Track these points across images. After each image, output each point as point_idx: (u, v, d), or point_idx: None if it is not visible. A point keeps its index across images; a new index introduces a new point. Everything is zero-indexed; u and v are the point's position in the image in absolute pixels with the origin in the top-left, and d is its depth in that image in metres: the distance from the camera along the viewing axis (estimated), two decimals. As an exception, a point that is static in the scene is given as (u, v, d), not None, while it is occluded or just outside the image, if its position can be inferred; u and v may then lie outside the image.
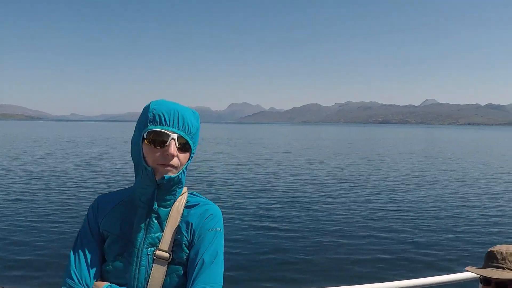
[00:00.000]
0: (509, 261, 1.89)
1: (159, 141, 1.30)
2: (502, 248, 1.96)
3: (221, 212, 1.45)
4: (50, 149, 33.73)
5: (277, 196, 13.72)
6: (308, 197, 13.74)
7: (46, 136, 61.04)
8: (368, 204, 12.62)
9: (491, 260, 1.94)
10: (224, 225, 1.35)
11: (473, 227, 10.10)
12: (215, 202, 1.35)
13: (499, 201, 13.70)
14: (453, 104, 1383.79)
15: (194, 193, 1.48)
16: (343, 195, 14.20)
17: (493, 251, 1.96)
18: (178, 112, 1.33)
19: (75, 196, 13.10)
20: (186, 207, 1.42)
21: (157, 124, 1.31)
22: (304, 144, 49.36)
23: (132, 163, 1.41)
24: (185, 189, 1.46)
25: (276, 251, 7.95)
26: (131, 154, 1.42)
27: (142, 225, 1.37)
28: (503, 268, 1.88)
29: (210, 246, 1.36)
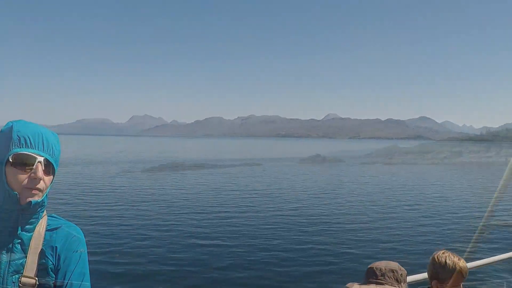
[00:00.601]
0: (388, 277, 1.92)
1: (25, 164, 1.26)
2: (381, 264, 1.99)
3: (83, 234, 1.45)
4: None
5: (174, 214, 13.21)
6: (214, 212, 13.60)
7: None
8: (259, 220, 12.73)
9: (370, 276, 1.96)
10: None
11: (357, 243, 10.01)
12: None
13: (387, 215, 13.60)
14: (354, 118, 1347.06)
15: (54, 215, 1.45)
16: (244, 210, 14.20)
17: (373, 267, 1.99)
18: (42, 135, 1.31)
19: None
20: (48, 230, 1.38)
21: (22, 147, 1.27)
22: (212, 160, 46.80)
23: None
24: (44, 212, 1.41)
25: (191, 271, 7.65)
26: None
27: (5, 251, 1.30)
28: (382, 284, 1.91)
29: (77, 268, 1.36)
